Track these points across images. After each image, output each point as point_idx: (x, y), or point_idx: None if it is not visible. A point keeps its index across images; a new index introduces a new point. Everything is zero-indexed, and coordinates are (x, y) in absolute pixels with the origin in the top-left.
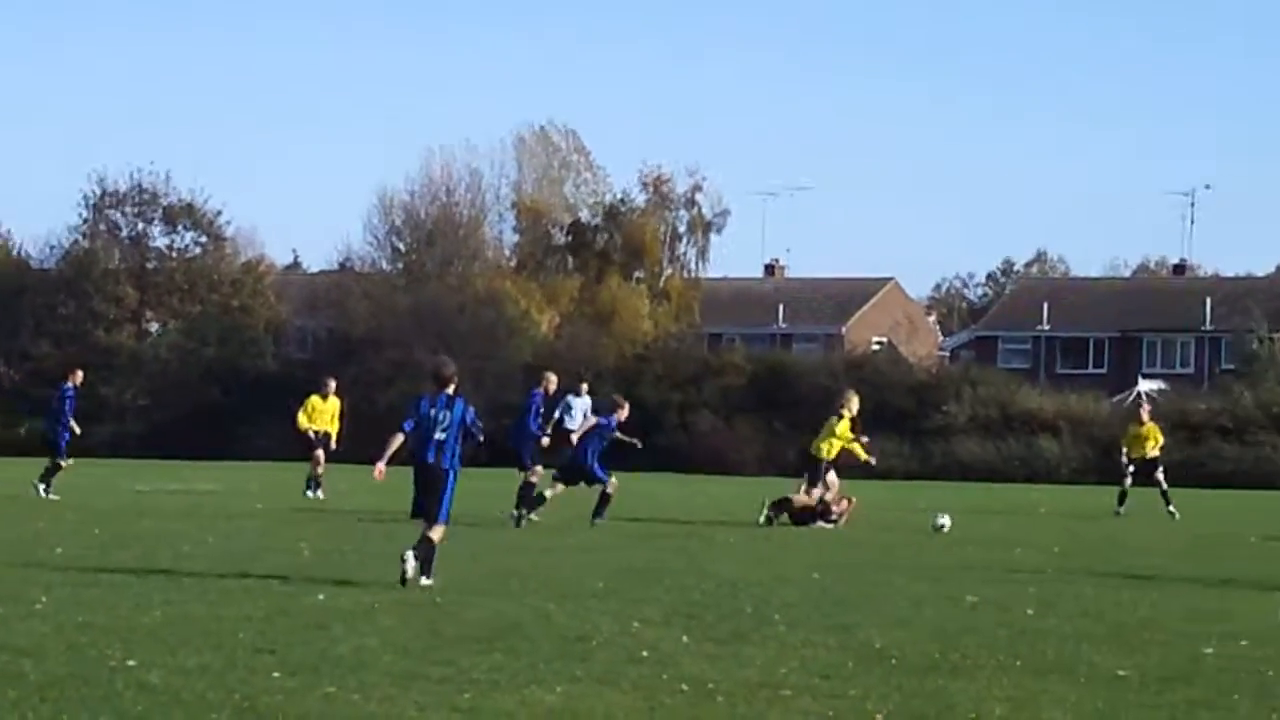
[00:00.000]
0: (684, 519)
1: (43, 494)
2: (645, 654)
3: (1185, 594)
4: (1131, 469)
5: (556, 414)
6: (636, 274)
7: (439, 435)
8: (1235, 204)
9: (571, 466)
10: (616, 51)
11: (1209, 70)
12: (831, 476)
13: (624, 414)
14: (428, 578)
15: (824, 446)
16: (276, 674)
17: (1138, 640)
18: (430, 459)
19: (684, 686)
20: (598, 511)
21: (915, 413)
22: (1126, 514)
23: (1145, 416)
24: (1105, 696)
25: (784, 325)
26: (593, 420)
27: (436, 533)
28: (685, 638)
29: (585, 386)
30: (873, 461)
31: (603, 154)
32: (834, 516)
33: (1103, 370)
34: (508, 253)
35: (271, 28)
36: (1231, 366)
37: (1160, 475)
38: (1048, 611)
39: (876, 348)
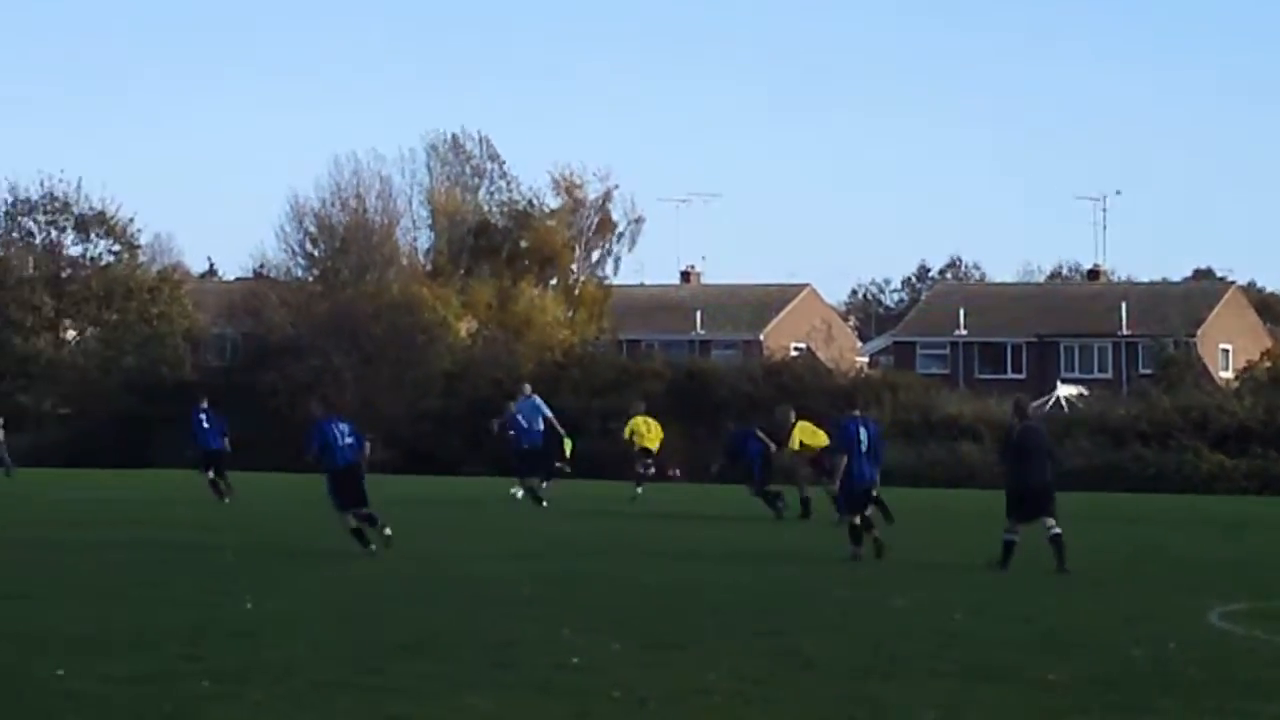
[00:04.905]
0: (608, 524)
1: None
2: (575, 661)
3: (1116, 597)
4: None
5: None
6: (550, 280)
7: (349, 440)
8: (1147, 209)
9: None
10: (524, 58)
11: (1119, 76)
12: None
13: None
14: (378, 543)
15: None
16: (205, 682)
17: (1067, 644)
18: (351, 459)
19: (615, 693)
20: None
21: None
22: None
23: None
24: (1035, 702)
25: (702, 332)
26: None
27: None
28: (615, 644)
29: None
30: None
31: (515, 163)
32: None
33: (1021, 376)
34: (421, 259)
35: (179, 36)
36: (1149, 371)
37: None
38: (977, 615)
39: (795, 354)
